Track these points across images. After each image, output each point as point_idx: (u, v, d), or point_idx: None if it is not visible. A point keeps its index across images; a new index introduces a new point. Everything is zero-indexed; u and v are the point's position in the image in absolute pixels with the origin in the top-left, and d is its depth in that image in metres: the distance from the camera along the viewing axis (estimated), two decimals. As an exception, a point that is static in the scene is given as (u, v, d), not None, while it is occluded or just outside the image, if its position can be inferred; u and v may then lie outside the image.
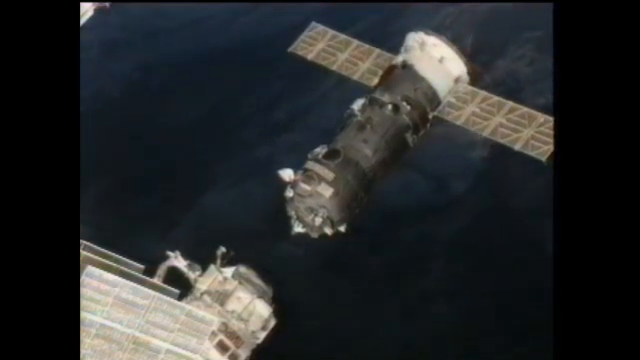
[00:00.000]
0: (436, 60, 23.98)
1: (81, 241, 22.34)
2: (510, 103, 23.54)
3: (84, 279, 21.22)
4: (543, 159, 22.55)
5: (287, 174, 22.95)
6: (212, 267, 23.24)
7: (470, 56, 24.44)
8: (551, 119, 22.64)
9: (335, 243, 23.65)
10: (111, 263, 22.75)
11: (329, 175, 22.55)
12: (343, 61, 24.87)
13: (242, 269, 23.35)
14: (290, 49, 25.26)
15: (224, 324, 22.51)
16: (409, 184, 30.90)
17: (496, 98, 23.72)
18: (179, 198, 32.62)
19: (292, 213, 23.09)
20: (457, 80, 24.12)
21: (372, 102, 23.66)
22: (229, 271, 23.26)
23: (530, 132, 22.95)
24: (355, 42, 25.15)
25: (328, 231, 23.02)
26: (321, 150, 23.14)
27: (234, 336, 22.54)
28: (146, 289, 21.70)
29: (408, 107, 23.59)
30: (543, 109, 23.23)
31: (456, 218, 30.66)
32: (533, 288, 26.98)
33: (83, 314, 20.78)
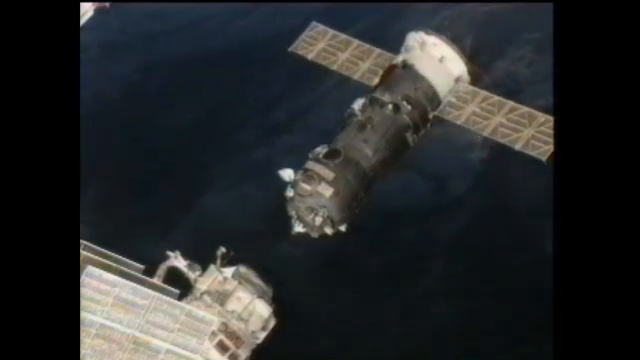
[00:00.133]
0: (436, 60, 24.01)
1: (81, 241, 22.35)
2: (510, 103, 23.57)
3: (84, 279, 21.23)
4: (543, 159, 22.56)
5: (287, 174, 22.98)
6: (212, 267, 23.26)
7: (469, 57, 24.45)
8: (551, 119, 22.64)
9: (335, 243, 23.67)
10: (111, 263, 22.76)
11: (329, 175, 22.58)
12: (343, 61, 24.91)
13: (242, 269, 23.37)
14: (290, 49, 25.29)
15: (224, 324, 22.52)
16: (409, 185, 30.84)
17: (496, 98, 23.77)
18: (178, 199, 32.57)
19: (292, 213, 23.12)
20: (457, 80, 24.16)
21: (372, 102, 23.68)
22: (229, 271, 23.29)
23: (530, 132, 22.96)
24: (355, 42, 25.19)
25: (328, 231, 23.05)
26: (321, 150, 23.15)
27: (234, 336, 22.54)
28: (146, 289, 21.72)
29: (408, 107, 23.62)
30: (542, 110, 23.26)
31: (456, 218, 30.61)
32: (533, 288, 26.93)
33: (83, 314, 20.78)
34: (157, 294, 21.72)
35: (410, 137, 23.77)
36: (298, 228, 23.29)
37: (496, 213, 30.27)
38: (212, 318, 22.01)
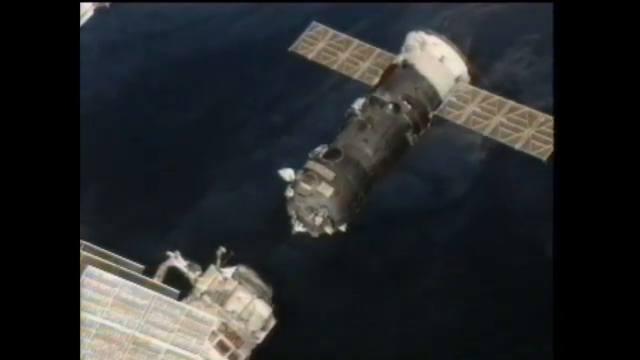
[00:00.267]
0: (437, 59, 23.98)
1: (81, 241, 22.32)
2: (511, 102, 23.53)
3: (84, 279, 21.19)
4: (544, 159, 22.52)
5: (288, 173, 22.95)
6: (212, 267, 23.22)
7: (468, 58, 24.44)
8: (552, 118, 22.61)
9: (335, 243, 23.64)
10: (111, 263, 22.72)
11: (329, 174, 22.53)
12: (344, 60, 24.86)
13: (242, 269, 23.34)
14: (291, 48, 25.27)
15: (224, 324, 22.49)
16: (407, 186, 30.91)
17: (497, 97, 23.71)
18: (178, 200, 32.62)
19: (293, 213, 23.07)
20: (458, 79, 24.12)
21: (373, 101, 23.65)
22: (229, 271, 23.25)
23: (531, 131, 22.93)
24: (356, 42, 25.14)
25: (328, 231, 23.00)
26: (322, 149, 23.13)
27: (234, 336, 22.52)
28: (146, 289, 21.68)
29: (409, 106, 23.58)
30: (542, 112, 23.21)
31: (455, 220, 30.66)
32: (533, 288, 26.97)
33: (83, 314, 20.75)
34: (157, 294, 21.68)
35: (410, 137, 23.73)
36: (298, 228, 23.26)
37: (495, 214, 30.35)
38: (212, 318, 21.98)
